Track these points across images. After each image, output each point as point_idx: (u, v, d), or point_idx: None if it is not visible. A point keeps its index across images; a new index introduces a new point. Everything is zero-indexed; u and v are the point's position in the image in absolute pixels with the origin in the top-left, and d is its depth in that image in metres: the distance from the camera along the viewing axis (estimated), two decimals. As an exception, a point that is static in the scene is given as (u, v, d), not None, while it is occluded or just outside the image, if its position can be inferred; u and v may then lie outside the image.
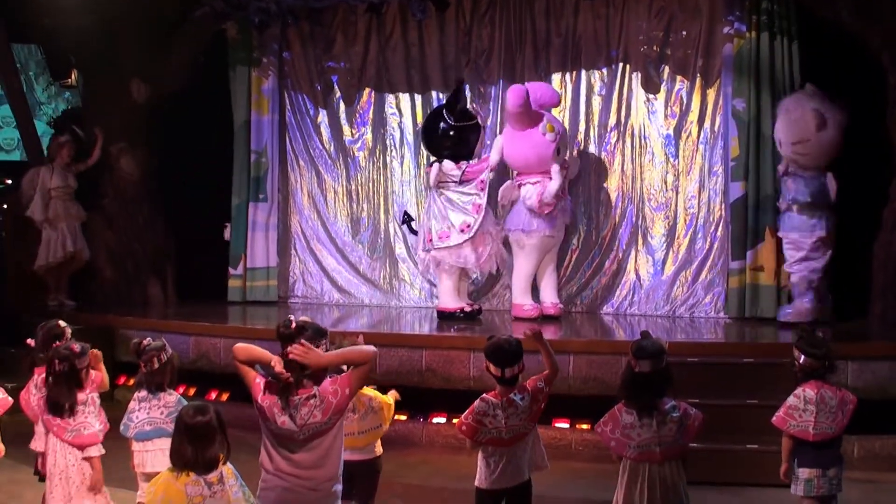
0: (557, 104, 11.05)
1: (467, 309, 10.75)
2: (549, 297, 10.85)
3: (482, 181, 10.63)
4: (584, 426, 8.61)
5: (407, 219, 11.24)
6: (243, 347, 4.71)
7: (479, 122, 10.80)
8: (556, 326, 10.32)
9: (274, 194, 12.83)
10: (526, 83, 10.76)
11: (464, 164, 10.63)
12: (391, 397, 6.21)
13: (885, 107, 10.03)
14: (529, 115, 10.29)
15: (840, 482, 5.81)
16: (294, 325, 4.66)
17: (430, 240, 10.70)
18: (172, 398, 6.15)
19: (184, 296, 13.09)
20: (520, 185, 10.62)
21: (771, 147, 10.52)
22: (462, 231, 10.53)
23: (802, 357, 5.87)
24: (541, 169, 10.46)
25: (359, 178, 12.79)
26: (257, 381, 4.66)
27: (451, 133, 10.70)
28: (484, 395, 5.61)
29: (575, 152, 11.57)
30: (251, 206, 12.74)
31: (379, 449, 6.16)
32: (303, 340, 4.62)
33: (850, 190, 10.06)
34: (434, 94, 12.31)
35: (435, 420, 9.11)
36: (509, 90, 10.36)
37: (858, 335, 9.66)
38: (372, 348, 4.76)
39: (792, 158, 10.02)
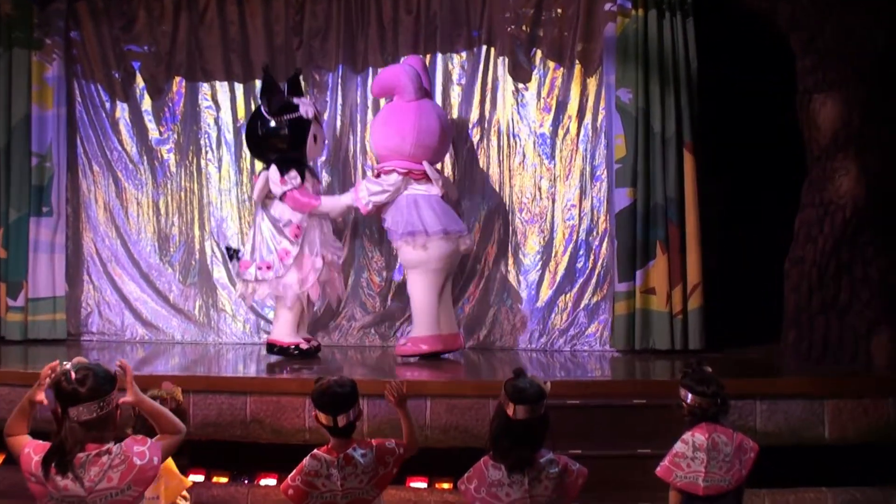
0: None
1: (303, 346, 10.58)
2: None
3: (298, 227, 10.41)
4: (445, 485, 8.47)
5: (231, 253, 10.96)
6: (10, 420, 4.73)
7: (305, 114, 10.58)
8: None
9: (61, 207, 12.45)
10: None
11: (290, 182, 10.42)
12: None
13: (794, 95, 10.23)
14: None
15: (739, 545, 5.86)
16: (73, 375, 4.52)
17: (247, 268, 10.57)
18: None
19: (-54, 334, 12.57)
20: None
21: (661, 146, 10.69)
22: (281, 260, 10.41)
23: (690, 396, 5.91)
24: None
25: (167, 186, 12.56)
26: (27, 450, 4.59)
27: (273, 131, 10.55)
28: (315, 450, 5.52)
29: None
30: (32, 222, 12.31)
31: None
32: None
33: (758, 194, 10.25)
34: (259, 83, 12.10)
35: (263, 482, 8.83)
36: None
37: (768, 369, 9.79)
38: (183, 428, 4.82)
39: None
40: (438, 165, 10.81)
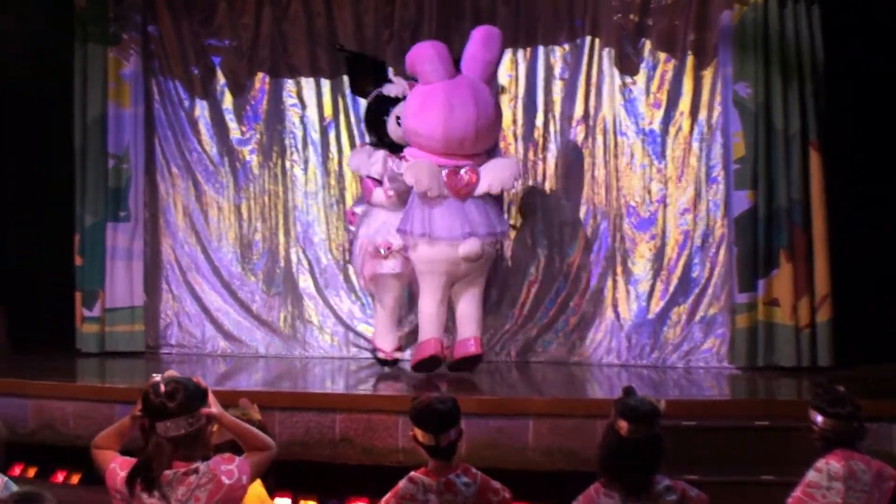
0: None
1: (380, 355, 10.81)
2: None
3: (353, 213, 10.86)
4: (550, 512, 8.42)
5: None
6: (103, 434, 4.82)
7: (388, 93, 10.63)
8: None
9: (139, 211, 12.51)
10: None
11: (371, 165, 10.55)
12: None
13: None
14: None
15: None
16: (163, 388, 4.58)
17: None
18: (-4, 482, 5.92)
19: (21, 345, 12.59)
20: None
21: (784, 144, 10.51)
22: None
23: (820, 418, 5.73)
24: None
25: (250, 189, 12.59)
26: (113, 465, 4.66)
27: (366, 111, 11.00)
28: (413, 472, 5.44)
29: (521, 152, 11.62)
30: (109, 228, 12.38)
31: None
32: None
33: (883, 196, 10.07)
34: (347, 80, 12.08)
35: (353, 506, 8.90)
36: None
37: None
38: (272, 443, 4.88)
39: None
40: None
